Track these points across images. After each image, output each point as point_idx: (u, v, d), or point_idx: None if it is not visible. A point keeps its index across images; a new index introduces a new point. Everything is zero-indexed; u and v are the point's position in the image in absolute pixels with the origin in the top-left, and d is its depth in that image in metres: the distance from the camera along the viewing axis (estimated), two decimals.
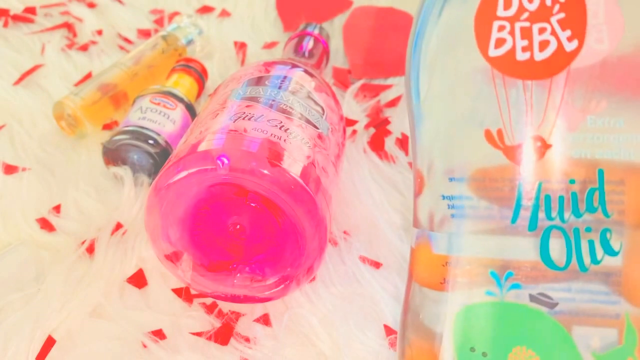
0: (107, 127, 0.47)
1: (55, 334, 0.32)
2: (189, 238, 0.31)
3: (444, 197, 0.19)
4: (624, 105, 0.16)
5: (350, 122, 0.48)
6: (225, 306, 0.34)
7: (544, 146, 0.16)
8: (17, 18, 0.59)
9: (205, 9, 0.63)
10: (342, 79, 0.54)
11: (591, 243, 0.17)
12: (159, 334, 0.32)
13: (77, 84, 0.51)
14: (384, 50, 0.58)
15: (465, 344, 0.19)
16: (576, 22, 0.16)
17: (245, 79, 0.35)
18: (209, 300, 0.34)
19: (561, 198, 0.17)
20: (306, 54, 0.47)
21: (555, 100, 0.16)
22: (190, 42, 0.55)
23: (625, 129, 0.16)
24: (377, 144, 0.46)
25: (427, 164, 0.20)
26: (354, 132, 0.47)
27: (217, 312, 0.34)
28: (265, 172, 0.28)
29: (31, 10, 0.60)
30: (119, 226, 0.38)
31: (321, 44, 0.48)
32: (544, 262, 0.17)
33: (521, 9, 0.17)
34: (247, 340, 0.32)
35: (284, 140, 0.30)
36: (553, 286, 0.17)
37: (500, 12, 0.17)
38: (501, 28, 0.17)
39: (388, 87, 0.53)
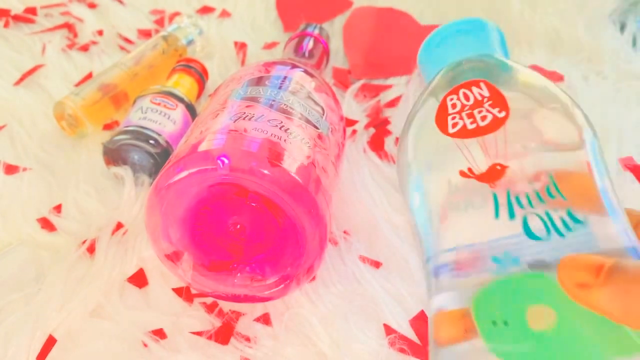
0: (107, 127, 0.47)
1: (55, 333, 0.32)
2: (190, 238, 0.31)
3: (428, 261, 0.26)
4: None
5: (350, 122, 0.48)
6: (226, 306, 0.34)
7: (503, 168, 0.24)
8: (17, 18, 0.59)
9: (206, 10, 0.64)
10: (342, 79, 0.54)
11: (563, 219, 0.22)
12: (159, 334, 0.32)
13: (77, 84, 0.51)
14: (384, 50, 0.58)
15: (487, 321, 0.21)
16: (501, 103, 0.25)
17: (246, 79, 0.35)
18: (209, 300, 0.34)
19: (527, 194, 0.23)
20: (306, 54, 0.47)
21: (501, 142, 0.24)
22: (190, 42, 0.55)
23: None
24: (377, 144, 0.46)
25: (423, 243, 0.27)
26: (354, 132, 0.47)
27: (218, 312, 0.34)
28: (266, 172, 0.28)
29: (32, 10, 0.60)
30: (119, 226, 0.38)
31: (321, 44, 0.48)
32: (528, 237, 0.22)
33: (463, 105, 0.26)
34: (248, 339, 0.32)
35: (284, 140, 0.30)
36: (542, 254, 0.22)
37: (450, 110, 0.26)
38: (453, 117, 0.26)
39: (388, 87, 0.53)
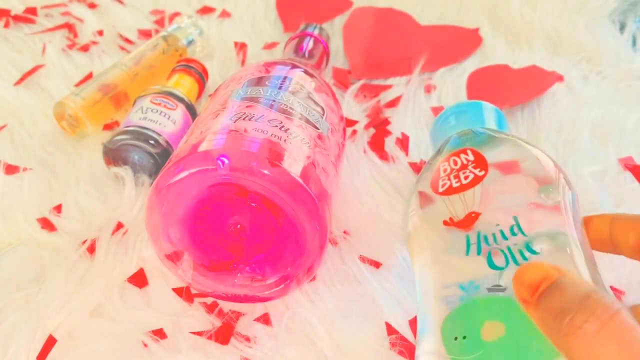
0: (107, 127, 0.47)
1: (56, 333, 0.32)
2: (190, 238, 0.31)
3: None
4: None
5: (350, 122, 0.48)
6: (226, 306, 0.34)
7: (476, 214, 0.29)
8: (18, 18, 0.59)
9: (206, 10, 0.64)
10: (342, 79, 0.54)
11: (520, 251, 0.26)
12: (159, 334, 0.32)
13: (77, 84, 0.51)
14: (384, 50, 0.58)
15: (450, 338, 0.25)
16: (482, 164, 0.31)
17: (246, 79, 0.35)
18: (209, 300, 0.34)
19: (493, 234, 0.27)
20: (306, 54, 0.47)
21: (477, 194, 0.29)
22: (190, 42, 0.55)
23: None
24: (377, 144, 0.46)
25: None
26: (354, 132, 0.47)
27: (218, 312, 0.34)
28: (266, 172, 0.28)
29: (32, 10, 0.60)
30: (119, 226, 0.38)
31: (321, 44, 0.48)
32: (491, 267, 0.26)
33: (452, 169, 0.32)
34: (248, 339, 0.32)
35: (284, 141, 0.30)
36: (501, 280, 0.26)
37: (441, 174, 0.32)
38: (443, 179, 0.31)
39: (388, 87, 0.53)
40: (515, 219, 0.28)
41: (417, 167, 0.44)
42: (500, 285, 0.25)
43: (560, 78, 0.52)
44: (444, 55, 0.57)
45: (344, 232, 0.39)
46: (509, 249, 0.26)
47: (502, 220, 0.28)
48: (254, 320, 0.34)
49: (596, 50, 0.56)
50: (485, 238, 0.27)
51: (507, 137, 0.33)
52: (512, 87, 0.52)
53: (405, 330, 0.33)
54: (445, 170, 0.32)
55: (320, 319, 0.33)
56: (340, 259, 0.37)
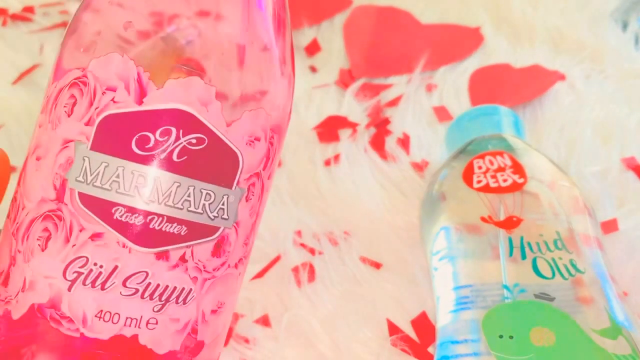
0: None
1: None
2: None
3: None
4: None
5: (351, 124, 0.48)
6: None
7: (518, 219, 0.29)
8: (15, 17, 0.59)
9: None
10: (343, 78, 0.53)
11: (566, 266, 0.27)
12: None
13: None
14: (385, 49, 0.58)
15: (494, 334, 0.25)
16: (520, 171, 0.31)
17: None
18: None
19: (537, 242, 0.28)
20: None
21: (518, 201, 0.30)
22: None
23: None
24: (377, 144, 0.46)
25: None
26: (354, 132, 0.47)
27: None
28: None
29: (30, 9, 0.60)
30: None
31: None
32: (537, 274, 0.27)
33: (487, 168, 0.32)
34: (247, 341, 0.32)
35: None
36: (547, 289, 0.27)
37: (476, 170, 0.32)
38: (478, 176, 0.32)
39: (389, 86, 0.52)
40: (558, 234, 0.28)
41: (418, 167, 0.43)
42: (548, 295, 0.26)
43: (562, 77, 0.52)
44: (445, 53, 0.56)
45: (344, 232, 0.38)
46: (554, 260, 0.27)
47: (545, 231, 0.29)
48: (254, 322, 0.33)
49: (598, 49, 0.55)
50: (530, 244, 0.28)
51: (541, 153, 0.34)
52: (514, 86, 0.52)
53: (406, 331, 0.33)
54: (480, 168, 0.32)
55: (320, 320, 0.33)
56: (341, 259, 0.37)
